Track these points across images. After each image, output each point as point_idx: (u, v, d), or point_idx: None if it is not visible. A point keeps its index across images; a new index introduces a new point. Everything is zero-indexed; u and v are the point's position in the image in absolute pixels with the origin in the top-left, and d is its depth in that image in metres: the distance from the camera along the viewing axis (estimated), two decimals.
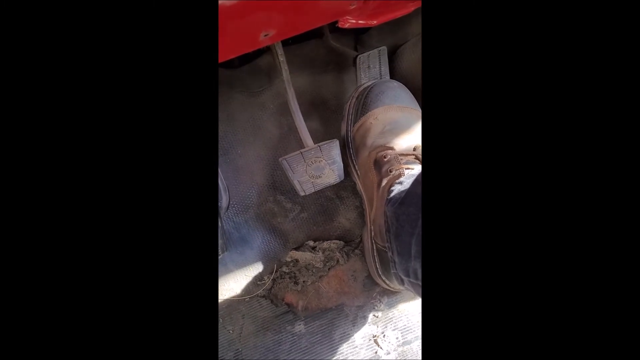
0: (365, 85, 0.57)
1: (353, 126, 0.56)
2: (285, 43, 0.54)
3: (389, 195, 0.47)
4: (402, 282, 0.46)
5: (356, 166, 0.57)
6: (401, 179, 0.47)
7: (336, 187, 0.63)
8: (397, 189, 0.47)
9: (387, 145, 0.51)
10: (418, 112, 0.55)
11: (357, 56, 0.60)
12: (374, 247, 0.53)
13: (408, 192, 0.43)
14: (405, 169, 0.48)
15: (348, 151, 0.58)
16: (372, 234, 0.53)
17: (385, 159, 0.50)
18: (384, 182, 0.49)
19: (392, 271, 0.47)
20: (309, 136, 0.51)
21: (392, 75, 0.62)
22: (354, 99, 0.57)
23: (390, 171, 0.49)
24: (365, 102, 0.55)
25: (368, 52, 0.60)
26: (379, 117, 0.53)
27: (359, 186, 0.57)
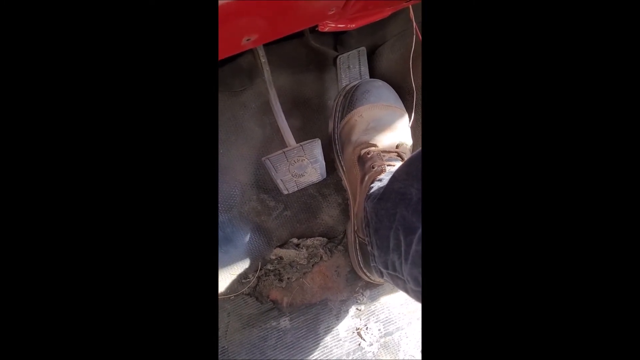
0: (352, 84, 0.58)
1: (340, 123, 0.58)
2: (266, 43, 0.55)
3: (368, 192, 0.49)
4: (381, 274, 0.48)
5: (342, 162, 0.58)
6: (381, 177, 0.49)
7: (319, 185, 0.64)
8: (376, 185, 0.48)
9: (371, 142, 0.53)
10: (402, 111, 0.57)
11: (337, 56, 0.62)
12: (356, 240, 0.54)
13: (386, 189, 0.45)
14: (387, 165, 0.50)
15: (335, 147, 0.59)
16: (355, 227, 0.55)
17: (369, 156, 0.52)
18: (366, 177, 0.51)
19: (371, 264, 0.49)
20: (291, 135, 0.52)
21: (372, 75, 0.64)
22: (341, 97, 0.58)
23: (373, 167, 0.51)
24: (351, 100, 0.56)
25: (348, 53, 0.61)
26: (363, 115, 0.55)
27: (344, 181, 0.59)
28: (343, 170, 0.58)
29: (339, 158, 0.59)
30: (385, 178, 0.48)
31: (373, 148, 0.52)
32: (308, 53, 0.64)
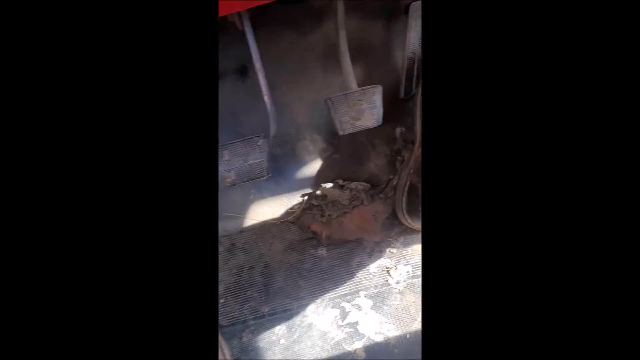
0: None
1: None
2: None
3: None
4: None
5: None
6: None
7: (370, 134, 0.67)
8: None
9: None
10: None
11: (410, 3, 0.60)
12: (408, 184, 0.58)
13: None
14: None
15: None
16: (411, 170, 0.58)
17: None
18: None
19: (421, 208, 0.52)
20: (354, 79, 0.53)
21: None
22: None
23: None
24: None
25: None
26: None
27: (419, 124, 0.61)
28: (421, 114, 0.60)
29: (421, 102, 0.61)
30: None
31: None
32: None
